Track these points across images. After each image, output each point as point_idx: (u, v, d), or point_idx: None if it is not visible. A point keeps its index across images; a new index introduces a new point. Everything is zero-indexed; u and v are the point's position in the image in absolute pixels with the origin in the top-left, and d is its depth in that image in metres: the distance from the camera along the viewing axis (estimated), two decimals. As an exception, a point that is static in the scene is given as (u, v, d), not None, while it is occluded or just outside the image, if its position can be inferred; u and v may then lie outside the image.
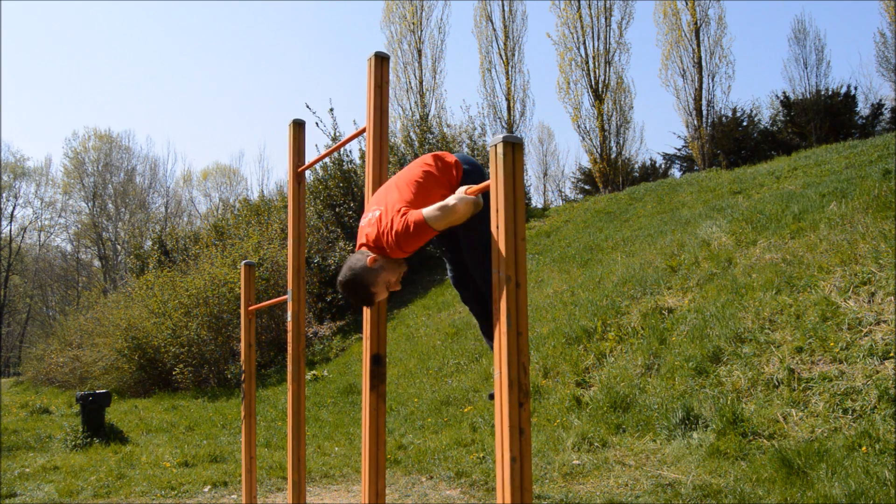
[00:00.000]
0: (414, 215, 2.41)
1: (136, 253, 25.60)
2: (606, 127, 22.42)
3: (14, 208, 39.62)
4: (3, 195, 38.23)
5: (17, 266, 39.73)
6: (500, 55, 24.98)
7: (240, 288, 5.82)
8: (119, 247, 37.63)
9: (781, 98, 22.42)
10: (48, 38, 62.38)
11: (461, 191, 2.50)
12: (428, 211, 2.41)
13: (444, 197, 2.49)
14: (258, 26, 69.62)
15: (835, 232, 7.05)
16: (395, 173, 2.75)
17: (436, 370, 9.47)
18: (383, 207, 2.53)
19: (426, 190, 2.56)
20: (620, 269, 9.61)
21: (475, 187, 2.45)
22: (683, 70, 22.17)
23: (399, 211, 2.46)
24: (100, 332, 17.33)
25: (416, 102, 25.36)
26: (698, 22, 21.98)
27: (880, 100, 22.81)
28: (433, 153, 2.74)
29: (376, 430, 2.87)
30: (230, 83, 69.17)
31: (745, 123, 22.44)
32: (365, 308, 2.91)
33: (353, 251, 16.44)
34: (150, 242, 26.25)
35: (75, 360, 18.02)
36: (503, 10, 25.04)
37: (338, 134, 16.12)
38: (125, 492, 5.66)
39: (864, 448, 4.34)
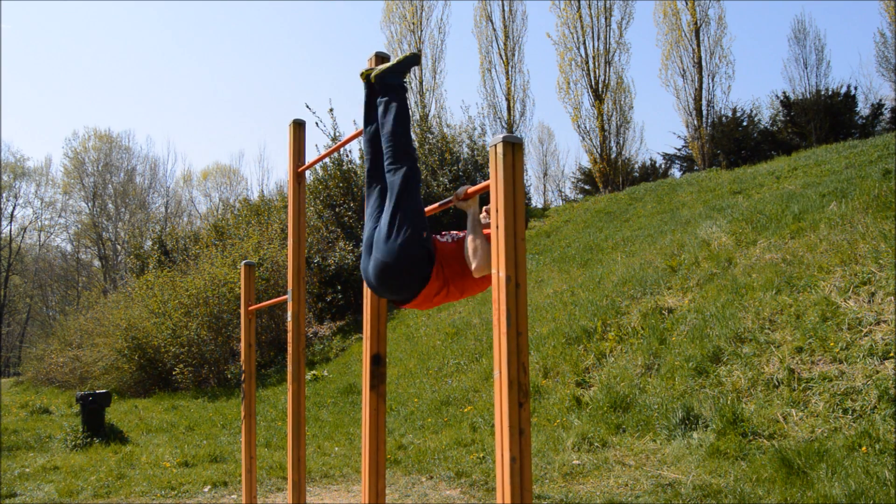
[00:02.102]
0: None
1: (136, 253, 25.60)
2: (606, 127, 22.42)
3: (14, 208, 39.64)
4: (3, 195, 38.23)
5: (17, 266, 39.73)
6: (500, 55, 24.99)
7: (240, 288, 5.82)
8: (119, 247, 37.64)
9: (781, 98, 22.42)
10: (48, 38, 62.43)
11: (462, 190, 2.53)
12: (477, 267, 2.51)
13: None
14: (258, 26, 69.66)
15: (835, 232, 7.05)
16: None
17: (436, 370, 9.47)
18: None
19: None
20: (620, 269, 9.61)
21: (475, 188, 2.47)
22: (683, 70, 22.18)
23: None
24: (100, 332, 17.33)
25: (416, 102, 25.36)
26: (698, 22, 21.98)
27: (880, 100, 22.82)
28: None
29: (376, 430, 2.87)
30: (230, 83, 69.20)
31: (745, 123, 22.43)
32: (365, 308, 2.92)
33: (352, 251, 16.19)
34: (150, 242, 26.25)
35: (75, 360, 18.01)
36: (503, 10, 25.05)
37: (338, 134, 16.12)
38: (125, 492, 5.65)
39: (864, 448, 4.34)
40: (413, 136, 2.71)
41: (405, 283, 2.55)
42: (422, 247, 2.51)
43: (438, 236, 2.75)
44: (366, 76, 2.76)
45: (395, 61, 2.72)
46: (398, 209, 2.54)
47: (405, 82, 2.76)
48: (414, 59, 2.76)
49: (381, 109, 2.70)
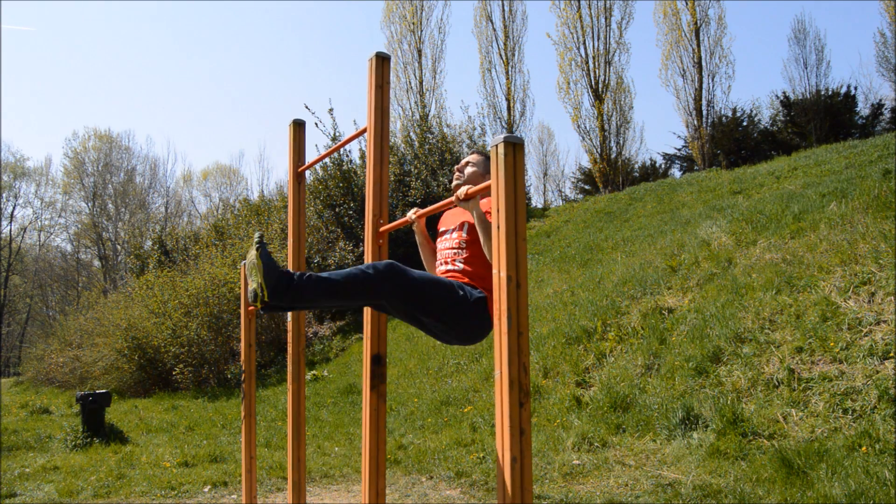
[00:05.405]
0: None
1: (136, 253, 25.59)
2: (606, 127, 22.43)
3: (14, 208, 39.64)
4: (3, 195, 38.23)
5: (17, 266, 39.72)
6: (500, 55, 25.00)
7: (240, 288, 5.82)
8: (119, 247, 37.63)
9: (781, 98, 22.43)
10: (48, 38, 62.41)
11: (462, 191, 2.54)
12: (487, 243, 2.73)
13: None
14: (258, 26, 69.65)
15: (835, 232, 7.05)
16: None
17: (436, 370, 9.47)
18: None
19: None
20: (620, 269, 9.61)
21: (475, 188, 2.47)
22: (683, 70, 22.18)
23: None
24: (100, 332, 17.32)
25: (416, 102, 25.38)
26: (698, 22, 21.99)
27: (880, 100, 22.85)
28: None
29: (376, 430, 2.87)
30: (230, 83, 69.19)
31: (745, 123, 22.44)
32: (365, 308, 2.93)
33: (352, 251, 16.22)
34: (150, 242, 26.27)
35: (75, 360, 18.00)
36: (503, 10, 25.06)
37: (338, 134, 16.11)
38: (125, 492, 5.65)
39: (864, 448, 4.34)
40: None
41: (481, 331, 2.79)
42: (472, 306, 2.70)
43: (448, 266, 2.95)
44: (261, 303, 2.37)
45: (252, 284, 2.38)
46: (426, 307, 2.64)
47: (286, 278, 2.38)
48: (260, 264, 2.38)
49: (315, 290, 2.40)
